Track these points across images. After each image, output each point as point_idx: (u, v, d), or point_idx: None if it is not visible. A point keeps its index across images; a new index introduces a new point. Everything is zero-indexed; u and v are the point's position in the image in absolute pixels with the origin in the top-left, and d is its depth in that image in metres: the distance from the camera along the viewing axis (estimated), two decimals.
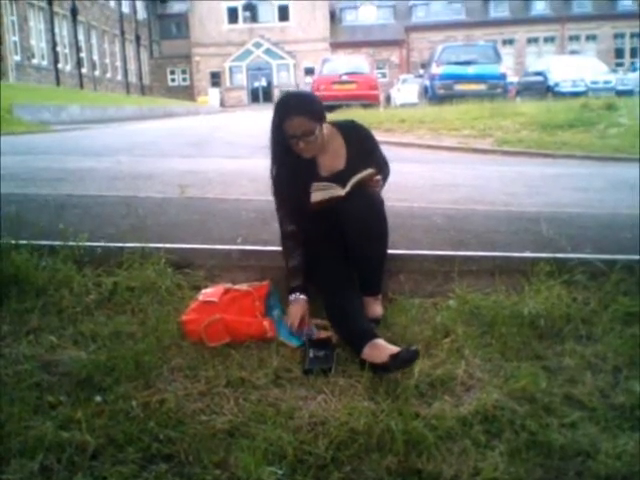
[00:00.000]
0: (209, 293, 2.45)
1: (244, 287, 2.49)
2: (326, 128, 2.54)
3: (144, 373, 2.04)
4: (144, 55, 42.38)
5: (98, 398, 1.88)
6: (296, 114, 2.39)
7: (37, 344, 2.24)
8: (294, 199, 2.50)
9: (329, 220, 2.46)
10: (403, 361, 2.03)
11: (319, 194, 2.40)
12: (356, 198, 2.37)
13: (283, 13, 43.70)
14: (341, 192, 2.38)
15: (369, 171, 2.40)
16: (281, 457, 1.63)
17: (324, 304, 2.43)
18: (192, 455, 1.65)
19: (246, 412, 1.84)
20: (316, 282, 2.53)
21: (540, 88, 18.77)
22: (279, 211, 2.60)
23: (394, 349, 2.07)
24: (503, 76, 16.34)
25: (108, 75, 35.68)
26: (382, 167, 2.59)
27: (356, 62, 19.34)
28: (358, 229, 2.39)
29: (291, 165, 2.49)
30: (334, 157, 2.56)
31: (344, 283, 2.42)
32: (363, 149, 2.58)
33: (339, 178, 2.46)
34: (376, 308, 2.53)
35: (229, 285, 2.52)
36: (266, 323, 2.34)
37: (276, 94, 37.93)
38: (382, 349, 2.08)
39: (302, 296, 2.46)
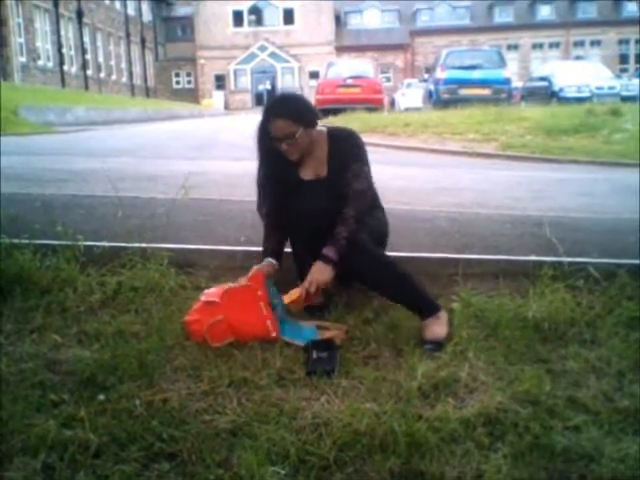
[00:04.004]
0: (211, 293, 2.44)
1: (242, 282, 2.48)
2: (317, 132, 2.53)
3: (147, 372, 2.03)
4: (149, 57, 42.48)
5: (101, 397, 1.88)
6: (278, 117, 2.43)
7: (41, 343, 2.25)
8: (274, 200, 2.57)
9: None
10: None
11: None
12: (353, 265, 2.39)
13: (288, 17, 43.80)
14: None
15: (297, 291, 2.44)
16: (284, 457, 1.63)
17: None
18: (195, 454, 1.64)
19: (249, 412, 1.84)
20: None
21: (544, 93, 18.79)
22: (260, 204, 2.67)
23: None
24: (507, 81, 16.36)
25: (113, 77, 35.78)
26: (356, 194, 2.44)
27: (361, 66, 19.35)
28: (369, 287, 2.53)
29: (274, 166, 2.55)
30: (317, 163, 2.56)
31: None
32: (346, 160, 2.48)
33: (321, 185, 2.51)
34: (435, 329, 2.35)
35: (229, 284, 2.51)
36: (269, 323, 2.33)
37: None
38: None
39: (272, 259, 2.56)
